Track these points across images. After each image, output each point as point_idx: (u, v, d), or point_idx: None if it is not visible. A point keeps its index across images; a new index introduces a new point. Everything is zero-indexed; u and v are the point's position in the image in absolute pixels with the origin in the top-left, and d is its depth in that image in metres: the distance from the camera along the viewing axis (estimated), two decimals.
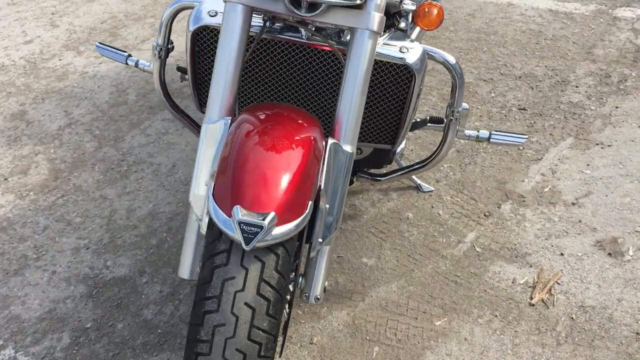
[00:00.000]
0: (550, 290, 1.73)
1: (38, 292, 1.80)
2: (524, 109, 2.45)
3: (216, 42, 1.53)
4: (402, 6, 1.36)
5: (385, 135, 1.60)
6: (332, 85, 1.51)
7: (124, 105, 2.72)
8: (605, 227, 1.92)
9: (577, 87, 2.57)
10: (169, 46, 1.72)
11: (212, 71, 1.60)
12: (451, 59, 1.56)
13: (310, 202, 1.13)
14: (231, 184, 1.08)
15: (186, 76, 1.91)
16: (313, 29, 1.41)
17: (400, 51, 1.46)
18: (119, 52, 1.84)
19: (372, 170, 1.87)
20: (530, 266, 1.81)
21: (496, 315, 1.67)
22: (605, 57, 2.76)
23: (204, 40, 1.54)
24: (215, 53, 1.56)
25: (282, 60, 1.50)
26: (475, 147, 2.27)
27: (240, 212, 1.03)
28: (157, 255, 1.92)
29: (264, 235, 1.03)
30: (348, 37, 1.45)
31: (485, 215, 1.99)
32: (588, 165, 2.17)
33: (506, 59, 2.78)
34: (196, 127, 1.83)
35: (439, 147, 1.68)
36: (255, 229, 1.02)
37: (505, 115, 2.43)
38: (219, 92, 1.32)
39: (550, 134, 2.32)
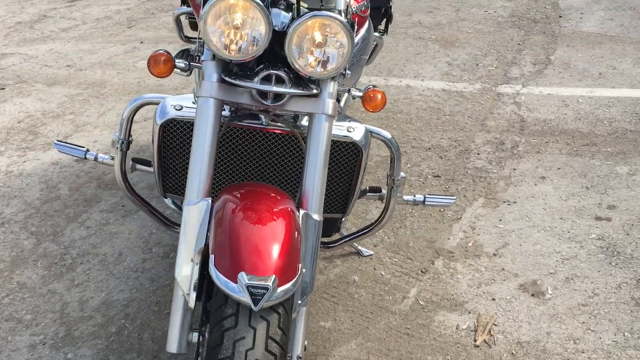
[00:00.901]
0: (489, 331, 1.95)
1: None
2: (438, 176, 2.76)
3: (183, 133, 1.68)
4: (351, 93, 1.60)
5: (337, 205, 1.80)
6: (291, 163, 1.69)
7: (57, 200, 2.73)
8: (525, 272, 2.19)
9: (478, 154, 2.93)
10: (130, 139, 1.84)
11: (178, 159, 1.75)
12: (387, 135, 1.80)
13: (300, 265, 1.28)
14: (231, 255, 1.21)
15: (137, 166, 2.03)
16: (272, 115, 1.60)
17: (348, 130, 1.67)
18: (78, 147, 1.93)
19: (322, 239, 2.05)
20: (469, 312, 2.03)
21: None
22: (497, 128, 3.17)
23: (171, 132, 1.68)
24: (182, 142, 1.71)
25: (245, 145, 1.67)
26: (403, 213, 2.51)
27: (246, 277, 1.16)
28: (119, 343, 1.94)
29: (270, 296, 1.16)
30: (303, 121, 1.65)
31: (422, 271, 2.21)
32: (500, 220, 2.47)
33: (414, 134, 3.12)
34: (158, 215, 1.93)
35: (382, 213, 1.89)
36: (262, 290, 1.16)
37: (423, 183, 2.72)
38: (197, 176, 1.46)
39: (464, 196, 2.62)
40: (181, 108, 1.66)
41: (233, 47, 1.42)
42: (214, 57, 1.47)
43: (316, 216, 1.46)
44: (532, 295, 2.09)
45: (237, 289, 1.17)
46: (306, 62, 1.44)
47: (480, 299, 2.09)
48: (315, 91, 1.48)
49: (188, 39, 2.89)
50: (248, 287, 1.15)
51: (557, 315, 2.00)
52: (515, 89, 3.56)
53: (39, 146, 3.16)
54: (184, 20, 2.80)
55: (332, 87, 1.51)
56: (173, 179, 1.78)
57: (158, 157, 1.72)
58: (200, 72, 1.51)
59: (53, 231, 2.52)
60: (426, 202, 1.93)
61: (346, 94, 1.64)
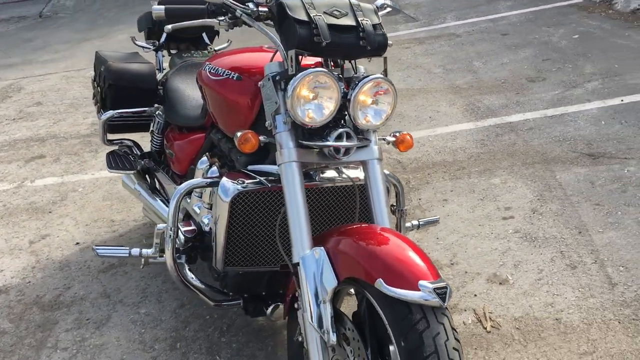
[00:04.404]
0: (490, 318, 2.35)
1: None
2: None
3: (252, 203, 1.82)
4: (386, 139, 1.93)
5: None
6: (346, 210, 1.94)
7: (4, 335, 2.49)
8: (483, 270, 2.66)
9: None
10: (178, 226, 1.90)
11: (245, 230, 1.87)
12: (388, 173, 2.14)
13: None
14: (402, 271, 1.44)
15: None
16: (321, 173, 1.86)
17: None
18: (119, 248, 1.92)
19: None
20: (465, 310, 2.42)
21: (475, 350, 2.21)
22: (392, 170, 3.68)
23: (239, 206, 1.81)
24: (251, 213, 1.84)
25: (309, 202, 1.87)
26: None
27: (428, 284, 1.40)
28: None
29: (450, 292, 1.42)
30: (345, 173, 1.91)
31: None
32: (437, 238, 2.94)
33: None
34: (209, 298, 1.98)
35: None
36: (443, 290, 1.40)
37: None
38: (298, 232, 1.65)
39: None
40: (243, 182, 1.82)
41: (311, 114, 1.67)
42: (291, 126, 1.69)
43: None
44: (500, 283, 2.56)
45: (424, 294, 1.40)
46: (364, 118, 1.75)
47: (466, 298, 2.49)
48: (366, 141, 1.79)
49: (110, 142, 2.91)
50: (435, 289, 1.40)
51: (527, 292, 2.49)
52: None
53: None
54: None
55: (375, 136, 1.84)
56: (238, 250, 1.89)
57: (226, 232, 1.83)
58: (277, 143, 1.71)
59: None
60: (420, 226, 2.30)
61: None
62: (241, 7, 1.77)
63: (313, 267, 1.60)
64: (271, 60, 1.81)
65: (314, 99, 1.67)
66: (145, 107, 2.77)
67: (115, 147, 2.98)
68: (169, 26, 1.81)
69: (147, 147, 3.00)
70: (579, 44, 5.71)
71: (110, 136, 2.91)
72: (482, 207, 3.17)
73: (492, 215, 3.09)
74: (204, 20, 1.82)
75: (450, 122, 4.34)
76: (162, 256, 1.96)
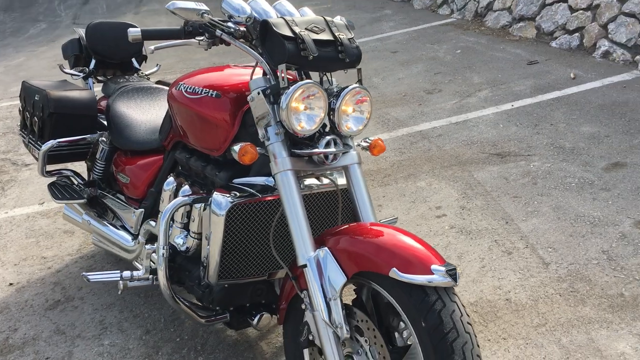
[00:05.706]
0: None
1: None
2: None
3: (247, 214, 1.87)
4: (361, 144, 2.06)
5: None
6: (332, 214, 2.04)
7: None
8: None
9: None
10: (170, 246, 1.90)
11: (241, 242, 1.91)
12: None
13: None
14: (414, 259, 1.57)
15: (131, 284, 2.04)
16: (304, 181, 1.96)
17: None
18: (110, 273, 1.88)
19: None
20: None
21: None
22: None
23: (234, 218, 1.85)
24: (246, 224, 1.89)
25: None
26: None
27: (440, 267, 1.54)
28: None
29: (458, 272, 1.57)
30: (320, 181, 2.02)
31: None
32: None
33: None
34: (200, 316, 1.99)
35: None
36: (453, 271, 1.55)
37: None
38: (300, 237, 1.74)
39: None
40: (236, 195, 1.87)
41: (303, 124, 1.78)
42: (283, 137, 1.78)
43: None
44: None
45: (438, 277, 1.54)
46: (345, 125, 1.88)
47: None
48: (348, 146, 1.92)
49: (49, 174, 2.81)
50: (447, 271, 1.54)
51: (475, 279, 2.72)
52: None
53: None
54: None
55: (354, 142, 1.97)
56: (232, 263, 1.92)
57: (221, 246, 1.87)
58: (271, 154, 1.79)
59: None
60: None
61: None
62: (222, 26, 1.84)
63: (320, 267, 1.69)
64: (251, 76, 1.89)
65: (305, 109, 1.77)
66: (86, 134, 2.71)
67: (54, 179, 2.87)
68: (152, 47, 1.83)
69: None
70: (462, 58, 6.23)
71: (49, 167, 2.80)
72: (416, 209, 3.40)
73: (426, 215, 3.32)
74: (184, 40, 1.86)
75: (364, 134, 4.56)
76: (149, 278, 1.96)
